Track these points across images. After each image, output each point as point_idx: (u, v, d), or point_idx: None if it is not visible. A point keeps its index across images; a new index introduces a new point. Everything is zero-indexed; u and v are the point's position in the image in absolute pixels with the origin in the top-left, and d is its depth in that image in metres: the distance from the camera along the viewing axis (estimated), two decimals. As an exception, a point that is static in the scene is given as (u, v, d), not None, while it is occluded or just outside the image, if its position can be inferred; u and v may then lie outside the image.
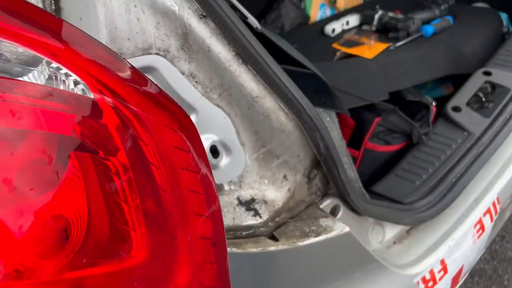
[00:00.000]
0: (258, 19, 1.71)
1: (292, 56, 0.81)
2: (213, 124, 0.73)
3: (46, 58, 0.39)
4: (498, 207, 1.10)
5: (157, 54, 0.69)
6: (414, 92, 1.29)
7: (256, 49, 0.71)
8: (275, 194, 0.77)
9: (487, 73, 1.31)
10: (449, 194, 1.03)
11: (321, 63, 1.30)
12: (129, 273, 0.44)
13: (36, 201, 0.39)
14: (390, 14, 1.60)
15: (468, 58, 1.44)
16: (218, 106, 0.72)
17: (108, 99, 0.41)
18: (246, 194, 0.77)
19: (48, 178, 0.39)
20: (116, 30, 0.67)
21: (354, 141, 1.22)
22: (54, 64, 0.39)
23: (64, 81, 0.40)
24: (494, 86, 1.29)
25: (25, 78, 0.38)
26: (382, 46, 1.37)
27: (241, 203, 0.76)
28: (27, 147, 0.39)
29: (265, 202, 0.77)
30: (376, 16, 1.61)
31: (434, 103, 1.25)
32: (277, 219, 0.78)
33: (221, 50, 0.70)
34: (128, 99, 0.43)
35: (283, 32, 1.70)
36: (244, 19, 0.73)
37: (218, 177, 0.76)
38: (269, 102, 0.73)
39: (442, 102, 1.40)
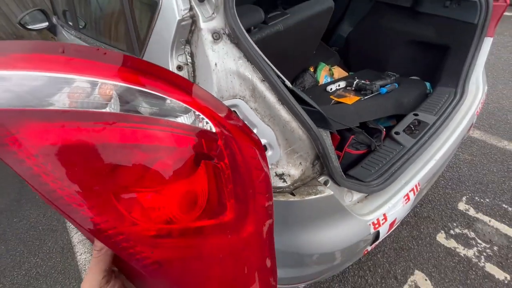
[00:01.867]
0: (291, 82, 1.81)
1: (307, 101, 0.83)
2: (265, 134, 0.77)
3: (193, 109, 0.41)
4: (418, 188, 1.08)
5: (240, 98, 0.75)
6: (373, 123, 1.30)
7: (288, 98, 0.75)
8: (294, 171, 0.80)
9: (416, 114, 1.29)
10: (391, 178, 1.02)
11: (323, 106, 1.36)
12: (225, 224, 0.45)
13: (181, 183, 0.41)
14: (362, 81, 1.62)
15: (405, 106, 1.42)
16: (268, 125, 0.76)
17: (220, 130, 0.43)
18: (279, 170, 0.80)
19: (187, 171, 0.41)
20: (221, 86, 0.73)
21: (339, 147, 1.26)
22: (197, 113, 0.41)
23: (200, 120, 0.42)
24: (419, 121, 1.28)
25: (182, 119, 0.40)
26: (357, 98, 1.38)
27: (277, 174, 0.80)
28: (181, 154, 0.40)
29: (289, 175, 0.80)
30: (354, 82, 1.65)
31: (384, 129, 1.27)
32: (295, 184, 0.81)
33: (270, 97, 0.75)
34: (230, 129, 0.44)
35: (304, 89, 1.77)
36: (283, 82, 0.77)
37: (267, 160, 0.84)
38: (293, 124, 0.76)
39: (389, 128, 1.42)
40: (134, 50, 0.94)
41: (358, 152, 1.20)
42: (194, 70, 0.80)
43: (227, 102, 0.77)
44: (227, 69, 0.75)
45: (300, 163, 0.82)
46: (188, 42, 0.78)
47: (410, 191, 1.06)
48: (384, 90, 1.53)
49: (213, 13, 0.75)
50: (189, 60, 0.80)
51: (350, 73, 2.00)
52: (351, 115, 1.23)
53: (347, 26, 2.04)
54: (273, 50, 1.30)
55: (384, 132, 1.23)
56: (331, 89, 1.65)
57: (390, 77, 1.66)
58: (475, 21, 1.37)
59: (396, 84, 1.59)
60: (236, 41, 0.74)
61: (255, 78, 0.75)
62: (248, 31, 1.16)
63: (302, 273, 1.01)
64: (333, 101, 1.36)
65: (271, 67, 0.77)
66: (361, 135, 1.18)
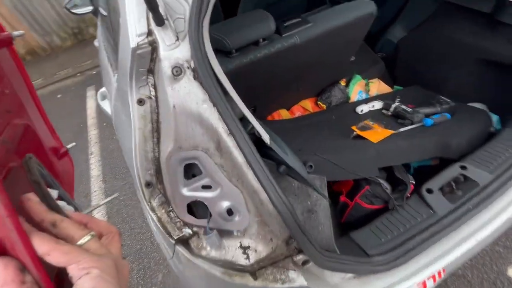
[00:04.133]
0: (316, 95, 1.54)
1: (284, 161, 0.64)
2: (231, 195, 0.61)
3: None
4: (442, 275, 0.80)
5: (202, 151, 0.59)
6: (400, 170, 1.01)
7: (260, 162, 0.57)
8: (263, 247, 0.62)
9: (463, 167, 0.95)
10: (405, 256, 0.76)
11: (340, 139, 1.10)
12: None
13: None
14: (403, 106, 1.28)
15: (453, 149, 1.08)
16: (236, 186, 0.60)
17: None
18: (245, 242, 0.63)
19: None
20: (180, 133, 0.58)
21: (350, 194, 1.02)
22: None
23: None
24: (466, 178, 0.95)
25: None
26: (387, 133, 1.07)
27: (241, 246, 0.63)
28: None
29: (255, 251, 0.63)
30: (393, 106, 1.32)
31: (413, 182, 0.97)
32: (260, 263, 0.63)
33: (238, 156, 0.57)
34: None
35: (330, 105, 1.49)
36: (259, 136, 0.59)
37: (231, 226, 0.66)
38: (263, 196, 0.58)
39: (426, 171, 1.11)
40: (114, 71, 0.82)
41: (371, 206, 0.95)
42: (157, 106, 0.64)
43: (186, 154, 0.61)
44: (187, 113, 0.58)
45: (271, 239, 0.63)
46: (151, 72, 0.62)
47: (428, 278, 0.79)
48: (429, 121, 1.19)
49: (177, 40, 0.57)
50: (153, 93, 0.64)
51: (394, 87, 1.64)
52: (371, 159, 0.96)
53: (400, 30, 1.63)
54: (288, 63, 1.07)
55: (411, 187, 0.95)
56: (361, 110, 1.35)
57: (442, 104, 1.29)
58: None
59: (448, 115, 1.23)
60: (201, 79, 0.56)
61: (221, 129, 0.57)
62: (256, 43, 0.95)
63: None
64: (354, 133, 1.09)
65: (245, 115, 0.58)
66: (378, 187, 0.92)
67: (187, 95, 0.57)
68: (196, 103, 0.57)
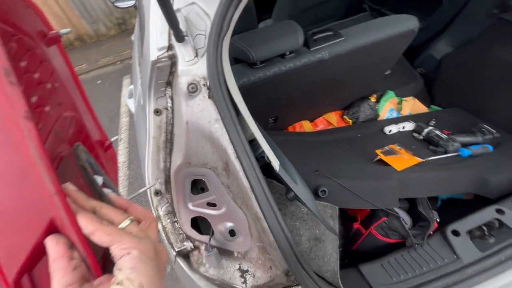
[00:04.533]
0: (344, 108, 1.46)
1: (291, 188, 0.59)
2: (235, 216, 0.59)
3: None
4: None
5: (210, 169, 0.58)
6: (425, 204, 0.92)
7: (264, 190, 0.54)
8: (261, 274, 0.60)
9: (500, 211, 0.84)
10: None
11: (361, 162, 1.03)
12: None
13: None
14: (437, 131, 1.17)
15: (491, 188, 0.96)
16: (240, 208, 0.58)
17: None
18: (244, 265, 0.61)
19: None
20: (190, 150, 0.58)
21: (366, 221, 0.96)
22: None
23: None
24: (502, 224, 0.84)
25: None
26: (414, 161, 0.97)
27: (240, 269, 0.61)
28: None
29: (254, 276, 0.61)
30: (425, 130, 1.21)
31: (437, 220, 0.88)
32: None
33: (244, 181, 0.54)
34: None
35: (357, 121, 1.41)
36: (268, 162, 0.56)
37: (232, 247, 0.64)
38: (265, 224, 0.54)
39: (456, 203, 1.01)
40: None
41: (386, 239, 0.88)
42: (173, 118, 0.64)
43: (195, 169, 0.61)
44: (199, 131, 0.57)
45: (271, 267, 0.61)
46: (169, 84, 0.62)
47: (441, 332, 0.72)
48: (466, 152, 1.07)
49: (196, 57, 0.56)
50: (169, 105, 0.64)
51: (431, 107, 1.51)
52: (392, 188, 0.89)
53: (445, 45, 1.48)
54: (314, 77, 1.02)
55: (435, 225, 0.86)
56: (390, 131, 1.26)
57: (485, 133, 1.15)
58: None
59: (490, 147, 1.10)
60: (214, 99, 0.55)
61: (230, 151, 0.55)
62: (282, 55, 0.92)
63: None
64: (377, 158, 1.02)
65: (257, 139, 0.56)
66: (396, 220, 0.85)
67: (201, 113, 0.56)
68: (209, 121, 0.56)
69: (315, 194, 0.79)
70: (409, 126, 1.28)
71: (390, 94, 1.41)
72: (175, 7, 0.56)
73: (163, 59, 0.57)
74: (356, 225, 0.95)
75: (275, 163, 0.55)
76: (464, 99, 1.38)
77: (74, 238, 0.27)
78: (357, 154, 1.06)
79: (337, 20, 1.80)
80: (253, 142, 0.58)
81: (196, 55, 0.56)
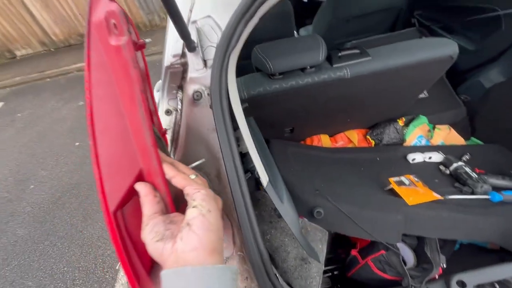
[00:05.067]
0: (368, 127, 1.38)
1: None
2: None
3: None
4: None
5: (204, 173, 0.60)
6: (433, 245, 0.84)
7: (247, 206, 0.53)
8: (239, 283, 0.60)
9: None
10: None
11: (372, 188, 0.98)
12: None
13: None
14: (467, 168, 1.06)
15: None
16: (227, 216, 0.60)
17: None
18: None
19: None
20: (188, 151, 0.60)
21: (364, 250, 0.91)
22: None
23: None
24: (520, 287, 0.74)
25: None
26: (430, 197, 0.89)
27: None
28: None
29: None
30: (454, 165, 1.10)
31: (443, 265, 0.81)
32: None
33: (230, 196, 0.55)
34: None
35: (380, 143, 1.34)
36: (258, 177, 0.57)
37: None
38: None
39: (478, 252, 0.91)
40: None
41: (382, 274, 0.83)
42: (181, 119, 0.68)
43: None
44: (198, 136, 0.60)
45: (247, 278, 0.62)
46: (181, 88, 0.66)
47: None
48: (497, 197, 0.95)
49: (204, 67, 0.59)
50: (179, 107, 0.68)
51: (471, 139, 1.37)
52: (397, 223, 0.83)
53: (498, 73, 1.32)
54: (334, 94, 1.00)
55: (440, 271, 0.79)
56: (413, 159, 1.17)
57: (524, 179, 1.02)
58: None
59: (527, 196, 0.96)
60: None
61: (222, 161, 0.57)
62: (303, 69, 0.91)
63: None
64: (389, 186, 0.95)
65: (250, 154, 0.57)
66: (394, 257, 0.80)
67: (201, 120, 0.59)
68: (207, 129, 0.59)
69: (311, 214, 0.78)
70: (436, 157, 1.18)
71: (422, 119, 1.31)
72: (192, 18, 0.59)
73: (176, 65, 0.61)
74: (354, 252, 0.91)
75: (264, 180, 0.55)
76: (509, 136, 1.23)
77: (159, 181, 0.36)
78: (369, 178, 1.01)
79: (381, 33, 1.71)
80: (246, 155, 0.59)
81: (205, 65, 0.59)
